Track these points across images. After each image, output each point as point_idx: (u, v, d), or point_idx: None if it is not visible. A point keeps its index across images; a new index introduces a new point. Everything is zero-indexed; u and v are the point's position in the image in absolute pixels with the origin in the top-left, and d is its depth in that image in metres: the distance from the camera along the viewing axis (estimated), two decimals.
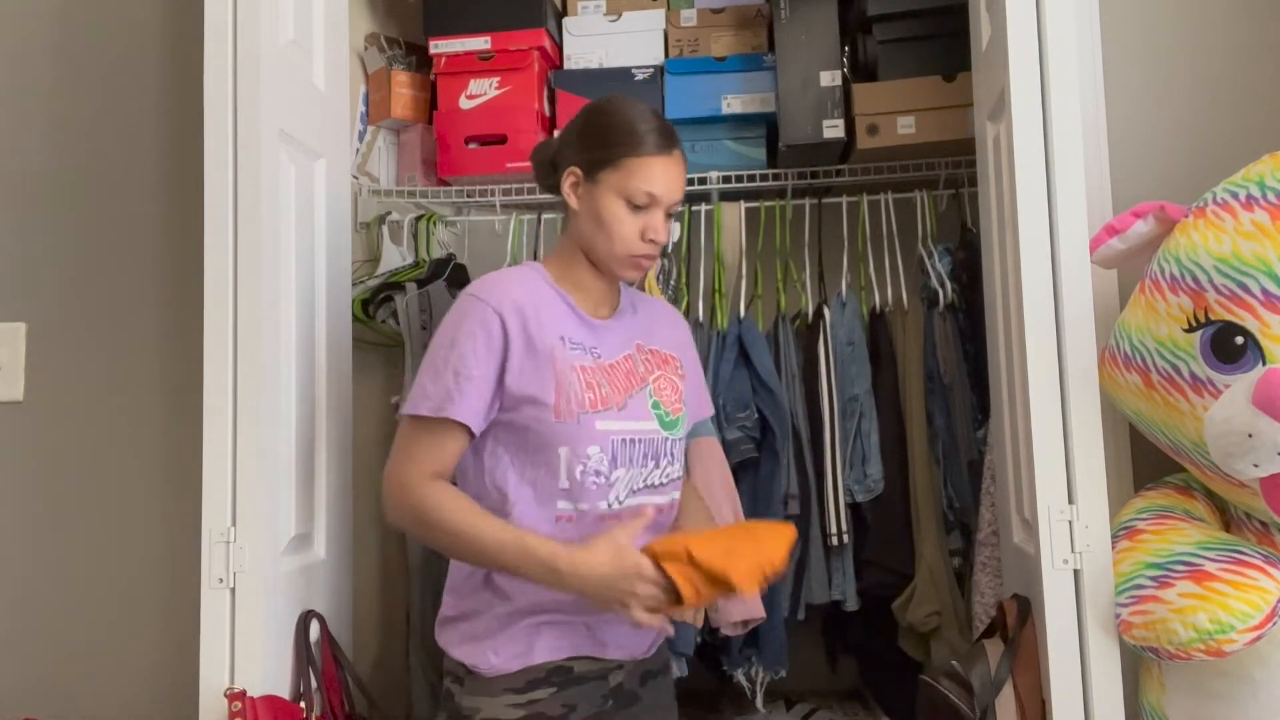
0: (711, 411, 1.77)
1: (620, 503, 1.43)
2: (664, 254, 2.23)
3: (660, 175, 1.44)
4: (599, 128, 1.49)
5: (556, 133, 2.21)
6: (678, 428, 1.52)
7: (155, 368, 1.99)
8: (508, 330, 1.41)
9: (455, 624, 1.47)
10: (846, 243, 2.24)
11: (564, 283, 1.51)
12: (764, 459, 2.06)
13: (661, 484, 1.48)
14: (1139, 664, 1.52)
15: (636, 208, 1.44)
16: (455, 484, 1.47)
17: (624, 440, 1.44)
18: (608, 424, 1.43)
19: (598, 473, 1.42)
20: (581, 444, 1.41)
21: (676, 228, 2.30)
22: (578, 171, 1.48)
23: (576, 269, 1.51)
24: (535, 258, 2.22)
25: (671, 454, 1.50)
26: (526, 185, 2.25)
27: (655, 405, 1.49)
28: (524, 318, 1.43)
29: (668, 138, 1.47)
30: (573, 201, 1.49)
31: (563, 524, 1.42)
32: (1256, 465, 1.34)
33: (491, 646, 1.42)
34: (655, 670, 1.54)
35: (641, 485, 1.46)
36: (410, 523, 1.43)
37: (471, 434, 1.42)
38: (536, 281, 1.49)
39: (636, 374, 1.49)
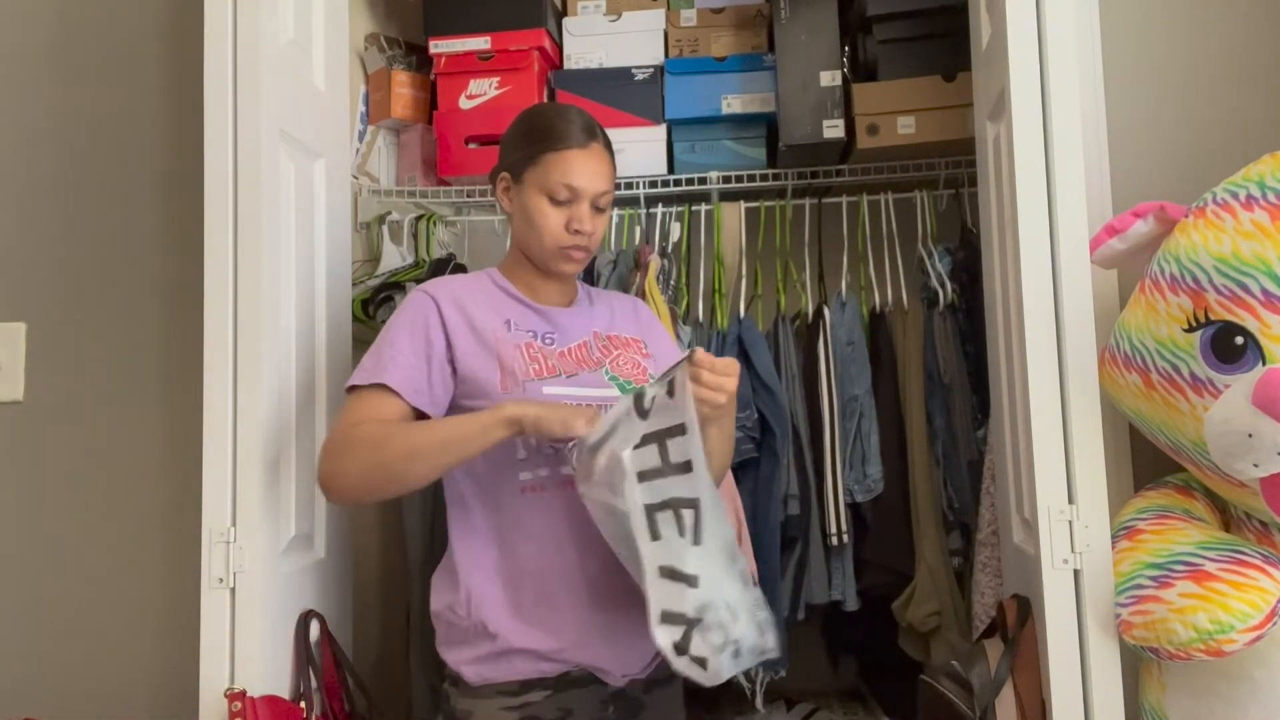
0: None
1: None
2: (664, 254, 2.23)
3: (578, 167, 1.47)
4: (521, 131, 1.54)
5: None
6: None
7: (155, 368, 1.99)
8: (444, 316, 1.47)
9: (442, 620, 1.47)
10: (846, 243, 2.24)
11: (515, 282, 1.55)
12: (764, 459, 2.06)
13: None
14: (1139, 664, 1.52)
15: (559, 202, 1.47)
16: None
17: (578, 405, 1.43)
18: (555, 389, 1.45)
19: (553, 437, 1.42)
20: None
21: (676, 228, 2.30)
22: (507, 176, 1.53)
23: (523, 270, 1.56)
24: None
25: None
26: None
27: (613, 378, 1.50)
28: (462, 306, 1.48)
29: (585, 131, 1.50)
30: (505, 205, 1.55)
31: (530, 495, 1.43)
32: (1256, 465, 1.34)
33: (476, 659, 1.43)
34: (661, 679, 1.51)
35: None
36: (350, 461, 1.38)
37: (408, 404, 1.42)
38: (483, 280, 1.56)
39: (591, 358, 1.51)
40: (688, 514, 1.31)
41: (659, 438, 1.32)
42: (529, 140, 1.51)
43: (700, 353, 1.33)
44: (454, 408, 1.47)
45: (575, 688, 1.43)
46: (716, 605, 1.30)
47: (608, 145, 1.54)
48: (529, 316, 1.52)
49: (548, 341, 1.50)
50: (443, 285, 1.53)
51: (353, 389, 1.44)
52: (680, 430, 1.31)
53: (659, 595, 1.29)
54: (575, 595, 1.42)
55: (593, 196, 1.48)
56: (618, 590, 1.40)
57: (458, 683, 1.44)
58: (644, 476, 1.31)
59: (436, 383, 1.45)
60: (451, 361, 1.46)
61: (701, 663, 1.29)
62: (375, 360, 1.44)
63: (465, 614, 1.43)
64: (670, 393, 1.32)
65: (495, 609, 1.41)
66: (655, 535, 1.31)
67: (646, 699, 1.49)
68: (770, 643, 1.32)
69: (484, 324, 1.47)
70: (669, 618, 1.29)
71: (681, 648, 1.29)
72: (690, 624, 1.29)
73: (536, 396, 1.42)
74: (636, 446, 1.32)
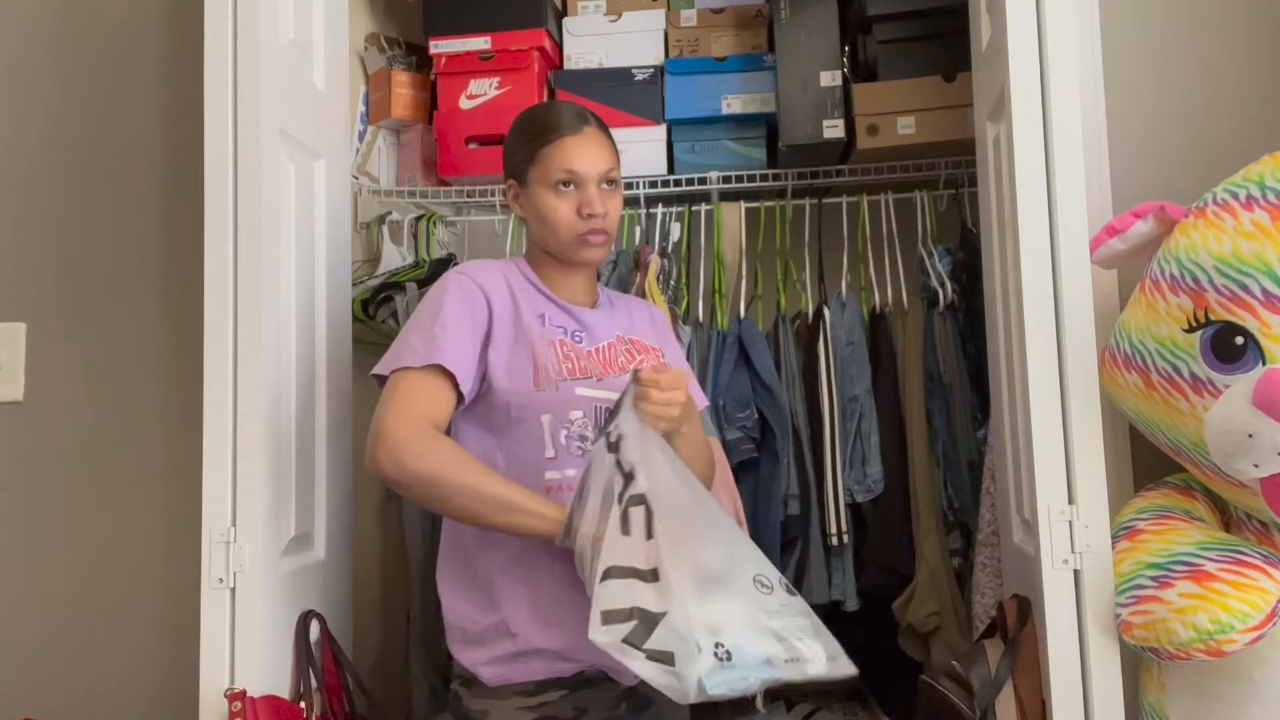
0: (706, 402, 1.76)
1: None
2: (664, 254, 2.23)
3: (574, 151, 1.47)
4: (516, 135, 1.55)
5: None
6: None
7: (155, 368, 1.99)
8: (491, 305, 1.46)
9: (457, 620, 1.47)
10: (846, 243, 2.24)
11: (541, 278, 1.55)
12: (764, 459, 2.06)
13: None
14: (1139, 664, 1.52)
15: (565, 191, 1.47)
16: None
17: (608, 409, 1.43)
18: (588, 390, 1.45)
19: (582, 438, 1.44)
20: (563, 409, 1.43)
21: (676, 228, 2.30)
22: (513, 182, 1.54)
23: (546, 267, 1.55)
24: None
25: None
26: None
27: None
28: (505, 296, 1.48)
29: (577, 118, 1.51)
30: (517, 211, 1.56)
31: (553, 495, 1.41)
32: (1256, 465, 1.34)
33: (493, 659, 1.42)
34: None
35: None
36: (411, 478, 1.35)
37: (458, 389, 1.40)
38: (516, 270, 1.55)
39: (617, 362, 1.51)
40: (636, 511, 1.28)
41: (623, 457, 1.32)
42: (525, 140, 1.52)
43: (644, 372, 1.33)
44: (478, 399, 1.45)
45: (589, 687, 1.43)
46: (683, 605, 1.25)
47: (603, 127, 1.53)
48: (559, 313, 1.51)
49: (577, 339, 1.49)
50: (487, 274, 1.49)
51: (403, 369, 1.39)
52: (620, 439, 1.31)
53: (601, 597, 1.25)
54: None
55: (597, 177, 1.48)
56: None
57: (471, 683, 1.43)
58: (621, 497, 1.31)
59: (476, 373, 1.43)
60: (486, 352, 1.44)
61: (665, 657, 1.22)
62: (425, 340, 1.40)
63: (485, 614, 1.42)
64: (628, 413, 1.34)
65: (516, 609, 1.41)
66: (625, 532, 1.29)
67: (655, 694, 1.48)
68: (808, 653, 1.29)
69: (522, 319, 1.46)
70: (611, 616, 1.24)
71: (633, 643, 1.23)
72: (647, 618, 1.24)
73: (569, 396, 1.42)
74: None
